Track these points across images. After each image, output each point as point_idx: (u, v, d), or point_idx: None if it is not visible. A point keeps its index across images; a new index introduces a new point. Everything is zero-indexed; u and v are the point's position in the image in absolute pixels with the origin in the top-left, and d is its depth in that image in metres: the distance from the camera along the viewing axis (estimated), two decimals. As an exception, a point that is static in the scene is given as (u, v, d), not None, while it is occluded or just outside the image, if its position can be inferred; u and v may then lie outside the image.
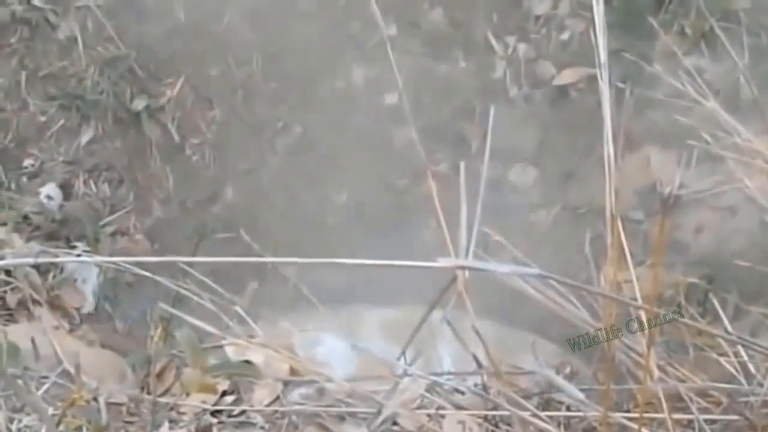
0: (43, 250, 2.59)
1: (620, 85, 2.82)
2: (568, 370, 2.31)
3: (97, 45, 3.09)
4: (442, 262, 1.39)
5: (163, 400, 2.02)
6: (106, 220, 2.92)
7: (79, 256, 2.74)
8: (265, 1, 3.11)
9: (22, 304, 2.44)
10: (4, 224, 2.73)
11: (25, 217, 2.79)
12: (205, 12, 3.10)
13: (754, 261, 2.59)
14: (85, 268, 2.75)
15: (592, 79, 1.97)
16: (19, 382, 1.47)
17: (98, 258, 2.74)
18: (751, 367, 1.98)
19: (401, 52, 2.97)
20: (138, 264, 2.05)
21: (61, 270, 2.69)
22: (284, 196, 2.98)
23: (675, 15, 3.06)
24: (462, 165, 1.62)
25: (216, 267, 2.26)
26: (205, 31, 3.10)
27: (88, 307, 2.73)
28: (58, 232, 2.82)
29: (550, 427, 1.60)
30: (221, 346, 2.07)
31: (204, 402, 2.00)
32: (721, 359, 2.04)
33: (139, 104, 3.03)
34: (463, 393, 1.88)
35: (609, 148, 1.81)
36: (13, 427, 1.90)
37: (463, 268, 1.54)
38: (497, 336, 2.34)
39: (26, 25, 3.10)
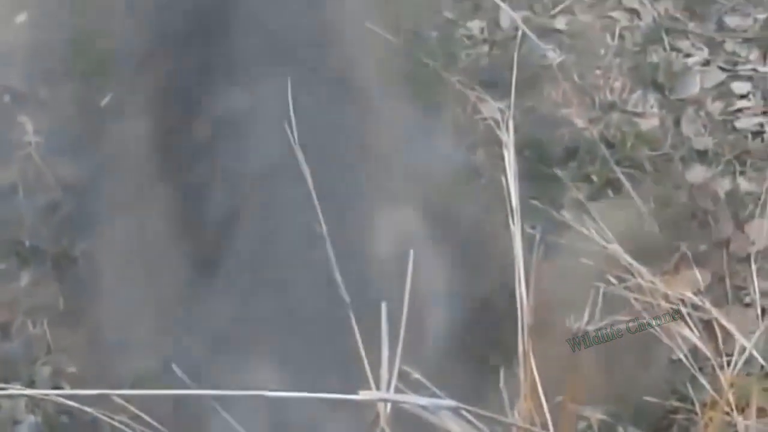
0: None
1: (531, 231, 2.93)
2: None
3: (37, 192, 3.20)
4: (363, 395, 1.48)
5: None
6: (43, 359, 2.97)
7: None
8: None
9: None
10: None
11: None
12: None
13: (663, 397, 2.73)
14: (20, 410, 2.84)
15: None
16: None
17: (31, 391, 2.74)
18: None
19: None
20: (72, 398, 2.00)
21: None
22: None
23: (582, 163, 3.19)
24: (384, 305, 1.72)
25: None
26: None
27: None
28: (-4, 372, 2.89)
29: None
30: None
31: None
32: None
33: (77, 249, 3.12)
34: None
35: (521, 289, 1.94)
36: None
37: (384, 400, 1.62)
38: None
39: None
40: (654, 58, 3.42)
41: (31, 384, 2.89)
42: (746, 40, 3.42)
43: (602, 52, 3.44)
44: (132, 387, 2.71)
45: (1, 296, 3.08)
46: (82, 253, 3.12)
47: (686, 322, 2.43)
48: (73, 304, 3.06)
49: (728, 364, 2.32)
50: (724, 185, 3.16)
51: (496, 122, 2.30)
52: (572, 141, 3.25)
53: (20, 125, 3.30)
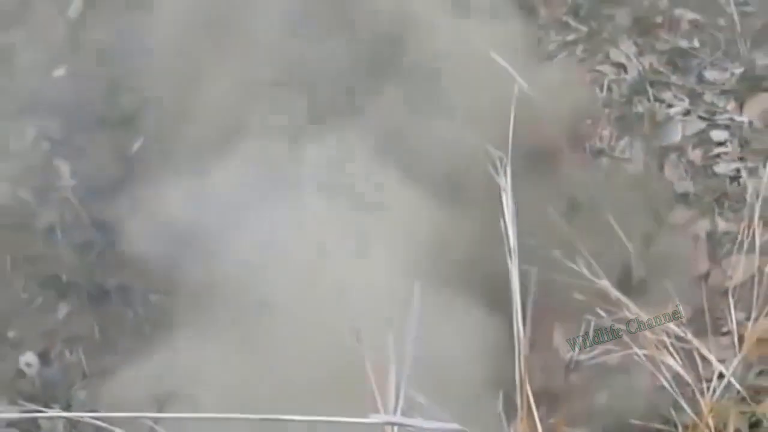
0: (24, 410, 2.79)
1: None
2: None
3: (74, 231, 3.34)
4: (373, 418, 1.60)
5: None
6: (79, 384, 3.11)
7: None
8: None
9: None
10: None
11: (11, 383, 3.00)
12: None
13: (647, 420, 2.76)
14: (58, 431, 2.94)
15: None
16: None
17: (68, 413, 2.88)
18: None
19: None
20: (106, 419, 2.00)
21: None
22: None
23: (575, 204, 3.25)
24: (391, 337, 1.78)
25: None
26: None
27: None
28: (38, 396, 3.02)
29: None
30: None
31: None
32: None
33: (111, 283, 3.26)
34: None
35: (518, 323, 2.02)
36: None
37: (392, 423, 1.66)
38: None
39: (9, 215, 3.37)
40: (639, 108, 3.50)
41: (68, 407, 3.02)
42: (724, 92, 3.51)
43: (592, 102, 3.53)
44: (161, 410, 2.84)
45: (41, 326, 3.21)
46: (115, 287, 3.26)
47: (669, 351, 2.56)
48: (107, 333, 3.19)
49: (708, 389, 2.50)
50: (703, 225, 3.22)
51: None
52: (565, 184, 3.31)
53: (58, 169, 3.45)
